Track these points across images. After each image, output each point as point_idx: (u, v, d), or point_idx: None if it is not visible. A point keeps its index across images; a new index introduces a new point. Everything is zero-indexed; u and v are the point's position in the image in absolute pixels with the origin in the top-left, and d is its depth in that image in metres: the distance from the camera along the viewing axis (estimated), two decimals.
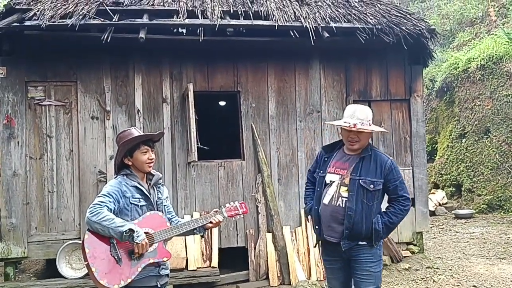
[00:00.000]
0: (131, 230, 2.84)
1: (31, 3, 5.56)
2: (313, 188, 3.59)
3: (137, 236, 2.86)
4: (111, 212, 2.92)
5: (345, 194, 3.29)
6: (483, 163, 10.39)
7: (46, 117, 5.82)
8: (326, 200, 3.36)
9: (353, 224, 3.25)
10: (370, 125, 3.35)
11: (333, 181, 3.36)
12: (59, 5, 5.53)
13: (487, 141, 10.37)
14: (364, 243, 3.31)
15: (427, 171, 8.85)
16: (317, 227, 3.45)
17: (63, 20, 5.31)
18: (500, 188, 10.04)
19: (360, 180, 3.28)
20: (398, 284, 5.77)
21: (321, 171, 3.46)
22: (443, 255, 7.11)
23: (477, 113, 10.69)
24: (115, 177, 3.18)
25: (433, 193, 11.12)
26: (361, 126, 3.27)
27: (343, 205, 3.28)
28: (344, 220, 3.26)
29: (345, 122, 3.33)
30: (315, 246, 3.56)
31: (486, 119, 10.43)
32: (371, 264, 3.33)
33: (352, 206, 3.25)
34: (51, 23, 5.24)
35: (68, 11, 5.41)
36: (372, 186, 3.28)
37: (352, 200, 3.26)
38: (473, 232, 8.60)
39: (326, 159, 3.48)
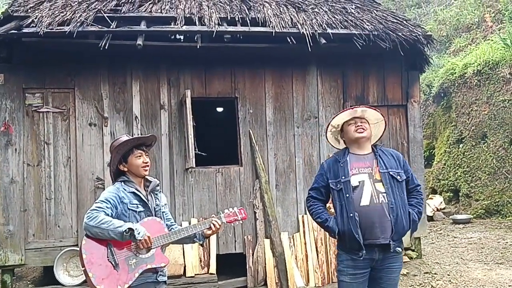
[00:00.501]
0: (131, 229, 2.86)
1: (29, 11, 5.57)
2: (324, 204, 3.42)
3: (138, 233, 2.88)
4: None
5: (383, 189, 3.18)
6: (481, 168, 10.40)
7: (43, 124, 5.82)
8: (365, 201, 3.16)
9: (396, 218, 3.14)
10: None
11: (363, 181, 3.20)
12: (57, 12, 5.54)
13: (484, 146, 10.40)
14: (399, 249, 3.21)
15: (425, 176, 8.85)
16: (357, 235, 3.14)
17: (61, 27, 5.33)
18: (497, 193, 10.05)
19: (390, 172, 3.23)
20: None
21: (343, 177, 3.25)
22: (441, 260, 7.11)
23: (474, 118, 10.72)
24: (113, 183, 3.19)
25: (431, 198, 11.13)
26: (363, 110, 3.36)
27: (386, 201, 3.15)
28: (390, 216, 3.13)
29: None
30: (361, 257, 3.17)
31: (483, 124, 10.46)
32: (398, 273, 3.30)
33: (391, 199, 3.15)
34: (49, 30, 5.26)
35: (66, 18, 5.43)
36: (399, 177, 3.24)
37: (390, 193, 3.16)
38: (471, 237, 8.60)
39: (342, 164, 3.29)
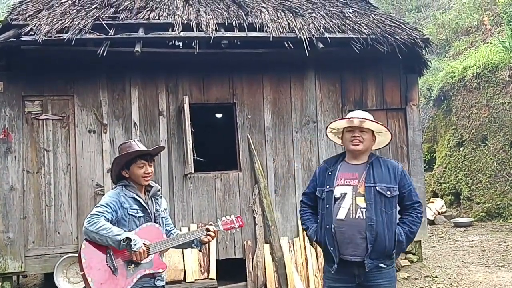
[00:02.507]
0: (128, 239, 2.87)
1: (28, 19, 5.60)
2: (312, 211, 3.31)
3: (135, 244, 2.90)
4: (108, 222, 2.96)
5: (363, 204, 3.00)
6: (481, 171, 10.40)
7: (43, 131, 5.84)
8: (341, 215, 3.02)
9: (376, 236, 2.96)
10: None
11: (345, 193, 3.06)
12: (55, 20, 5.57)
13: (485, 149, 10.39)
14: (385, 266, 3.03)
15: (426, 180, 8.84)
16: (332, 248, 3.05)
17: (60, 35, 5.36)
18: (498, 196, 10.04)
19: (377, 187, 3.02)
20: None
21: (328, 186, 3.12)
22: (442, 263, 7.09)
23: (474, 121, 10.73)
24: (114, 188, 3.21)
25: (432, 202, 11.11)
26: (360, 121, 3.11)
27: (364, 217, 2.98)
28: (366, 233, 2.96)
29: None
30: (333, 270, 3.07)
31: (483, 127, 10.46)
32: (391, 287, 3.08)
33: (372, 216, 2.97)
34: (48, 38, 5.28)
35: (64, 26, 5.46)
36: (389, 192, 3.03)
37: (371, 210, 2.97)
38: (472, 240, 8.59)
39: (330, 173, 3.16)
